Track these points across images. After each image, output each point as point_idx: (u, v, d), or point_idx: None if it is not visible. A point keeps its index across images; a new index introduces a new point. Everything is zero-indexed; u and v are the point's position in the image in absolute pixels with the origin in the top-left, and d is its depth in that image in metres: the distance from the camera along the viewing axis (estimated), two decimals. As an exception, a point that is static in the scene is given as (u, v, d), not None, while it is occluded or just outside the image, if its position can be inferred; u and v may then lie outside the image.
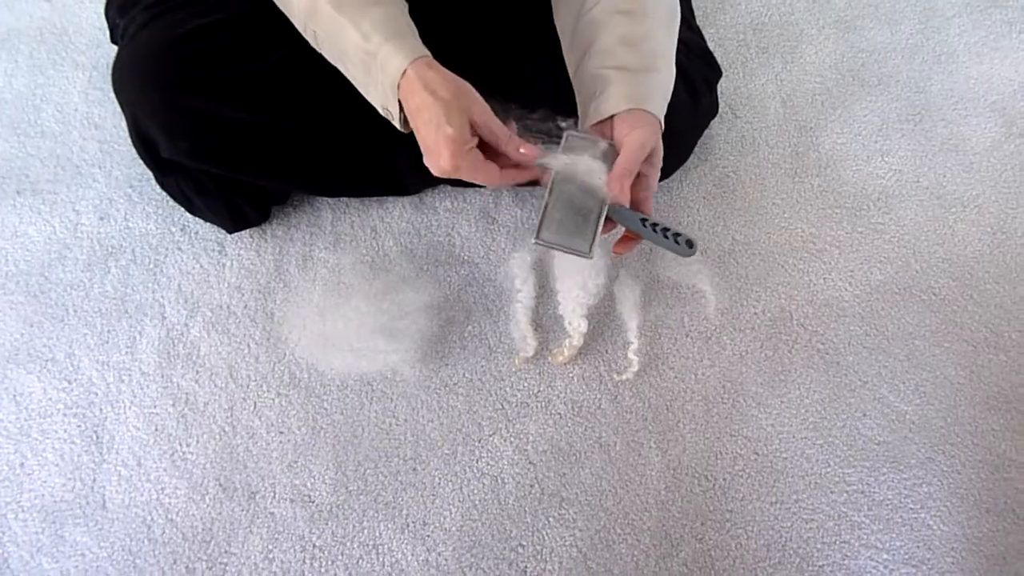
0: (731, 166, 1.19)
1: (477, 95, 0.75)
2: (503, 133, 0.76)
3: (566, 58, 0.91)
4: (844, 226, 1.16)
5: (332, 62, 0.81)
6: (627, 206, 0.81)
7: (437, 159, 0.74)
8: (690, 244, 0.82)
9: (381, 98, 0.77)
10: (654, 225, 0.82)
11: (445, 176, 0.76)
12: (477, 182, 0.77)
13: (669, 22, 0.88)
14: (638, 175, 0.81)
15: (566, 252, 0.82)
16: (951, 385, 1.07)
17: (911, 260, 1.14)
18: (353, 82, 0.80)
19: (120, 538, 0.95)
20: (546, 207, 0.81)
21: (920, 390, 1.06)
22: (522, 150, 0.77)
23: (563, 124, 0.86)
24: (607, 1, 0.84)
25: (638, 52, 0.83)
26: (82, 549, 0.94)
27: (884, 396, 1.06)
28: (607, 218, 0.82)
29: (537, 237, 0.81)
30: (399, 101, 0.75)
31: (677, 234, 0.82)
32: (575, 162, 0.80)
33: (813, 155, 1.21)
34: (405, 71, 0.73)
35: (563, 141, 0.83)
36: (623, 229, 0.85)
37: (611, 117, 0.82)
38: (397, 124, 0.78)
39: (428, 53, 0.75)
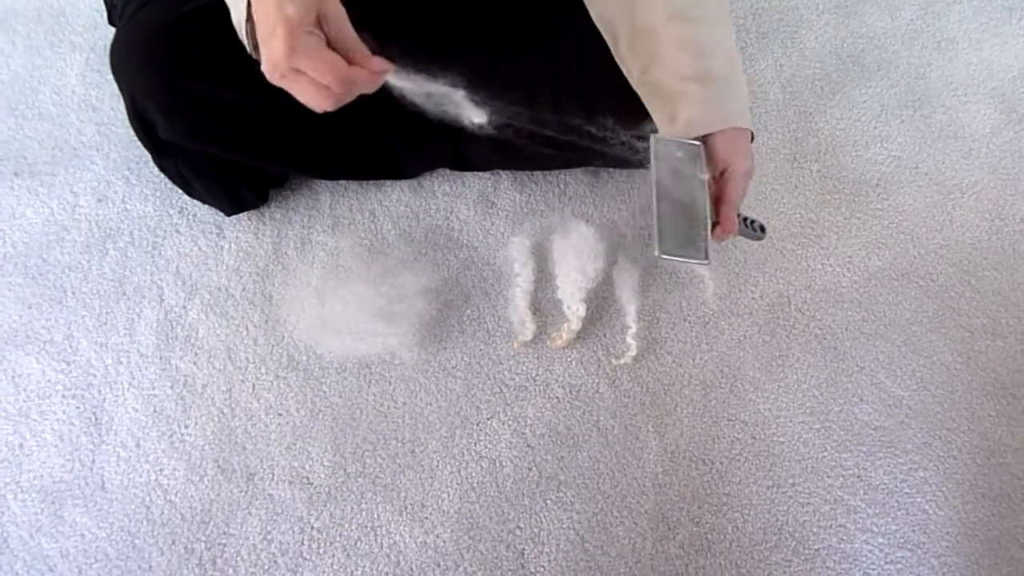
0: (730, 151, 1.19)
1: None
2: (354, 38, 0.66)
3: (620, 60, 0.88)
4: (843, 212, 1.16)
5: None
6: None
7: (271, 48, 0.63)
8: (763, 229, 0.89)
9: (238, 7, 0.68)
10: (743, 219, 0.87)
11: (278, 74, 0.64)
12: (312, 74, 0.64)
13: (728, 22, 0.87)
14: (727, 184, 0.83)
15: (687, 263, 0.84)
16: (948, 371, 1.08)
17: (909, 246, 1.14)
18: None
19: (119, 519, 0.95)
20: (659, 218, 0.80)
21: (917, 376, 1.07)
22: (375, 62, 0.67)
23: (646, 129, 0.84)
24: (665, 4, 0.82)
25: (715, 62, 0.82)
26: (81, 529, 0.94)
27: (881, 381, 1.06)
28: None
29: (660, 251, 0.80)
30: (249, 8, 0.66)
31: (753, 221, 0.88)
32: (671, 169, 0.80)
33: (812, 141, 1.21)
34: None
35: (652, 147, 0.81)
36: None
37: (711, 134, 0.82)
38: (247, 43, 0.69)
39: None
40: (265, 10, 0.63)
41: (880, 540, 0.99)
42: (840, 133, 1.22)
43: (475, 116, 0.74)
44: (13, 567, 0.93)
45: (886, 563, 0.98)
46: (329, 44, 0.65)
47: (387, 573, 0.94)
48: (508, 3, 1.01)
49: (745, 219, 0.86)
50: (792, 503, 1.00)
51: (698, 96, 0.81)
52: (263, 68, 0.66)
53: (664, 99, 0.84)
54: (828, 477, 1.01)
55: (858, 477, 1.01)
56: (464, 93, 0.73)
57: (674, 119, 0.83)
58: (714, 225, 0.85)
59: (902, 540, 0.99)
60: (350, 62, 0.66)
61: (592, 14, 0.90)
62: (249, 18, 0.67)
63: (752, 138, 0.85)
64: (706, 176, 0.82)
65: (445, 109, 0.74)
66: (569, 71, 0.96)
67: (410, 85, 0.72)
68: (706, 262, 0.81)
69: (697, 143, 0.82)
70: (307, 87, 0.65)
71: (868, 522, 1.00)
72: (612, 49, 0.89)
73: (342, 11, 0.66)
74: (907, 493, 1.01)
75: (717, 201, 0.84)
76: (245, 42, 0.70)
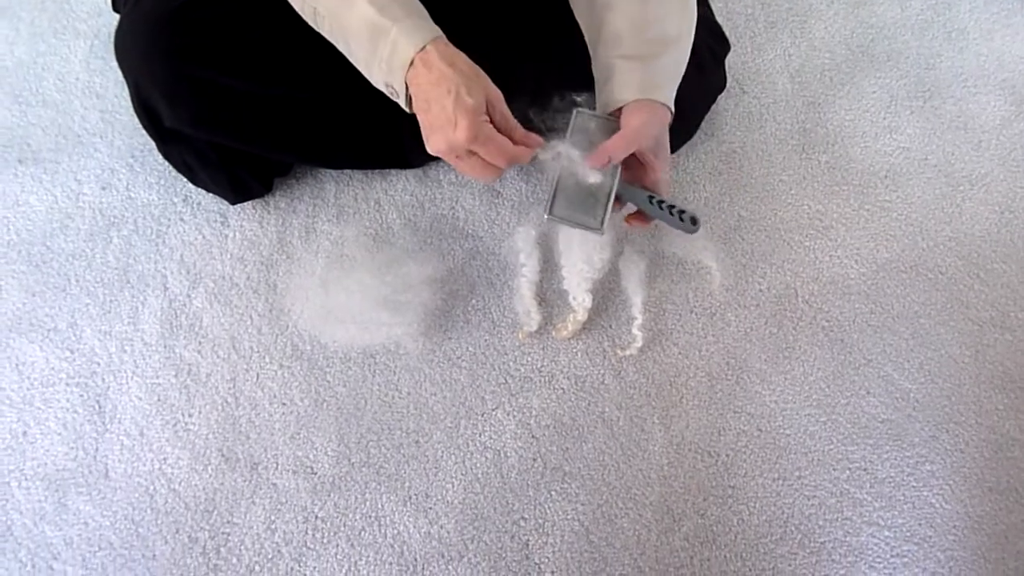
0: (738, 142, 1.18)
1: (490, 79, 0.75)
2: (512, 119, 0.77)
3: (588, 43, 0.90)
4: (851, 203, 1.15)
5: (330, 39, 0.79)
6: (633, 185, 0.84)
7: (451, 131, 0.72)
8: (694, 221, 0.85)
9: (385, 75, 0.76)
10: (660, 202, 0.85)
11: (454, 154, 0.74)
12: (486, 157, 0.74)
13: (689, 7, 0.87)
14: (643, 163, 0.83)
15: (578, 228, 0.83)
16: (956, 364, 1.07)
17: (918, 238, 1.14)
18: (350, 58, 0.79)
19: (123, 507, 0.95)
20: (557, 183, 0.82)
21: (925, 369, 1.06)
22: (528, 139, 0.78)
23: (578, 99, 0.86)
24: None
25: (645, 38, 0.83)
26: (85, 517, 0.94)
27: (888, 374, 1.06)
28: (617, 196, 0.83)
29: (550, 213, 0.82)
30: (406, 82, 0.74)
31: (682, 211, 0.84)
32: (584, 141, 0.81)
33: (821, 131, 1.20)
34: (425, 47, 0.72)
35: (573, 117, 0.83)
36: (633, 209, 0.87)
37: (623, 105, 0.82)
38: (402, 102, 0.77)
39: (443, 35, 0.74)
40: (441, 97, 0.71)
41: (886, 533, 0.98)
42: (849, 124, 1.21)
43: (590, 176, 0.81)
44: (17, 555, 0.93)
45: (892, 556, 0.98)
46: (493, 123, 0.74)
47: (391, 563, 0.94)
48: (497, 9, 1.00)
49: (670, 206, 0.85)
50: (798, 496, 0.99)
51: (626, 72, 0.82)
52: (433, 148, 0.74)
53: (599, 76, 0.86)
54: (834, 470, 1.01)
55: (865, 470, 1.01)
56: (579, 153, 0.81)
57: (600, 93, 0.86)
58: (637, 213, 0.88)
59: (908, 534, 0.99)
60: (512, 140, 0.75)
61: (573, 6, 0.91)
62: (408, 93, 0.75)
63: (671, 113, 0.85)
64: None
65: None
66: (576, 64, 0.95)
67: (547, 155, 0.81)
68: (599, 231, 0.82)
69: (615, 119, 0.83)
70: (477, 166, 0.75)
71: (874, 515, 0.99)
72: (586, 37, 0.89)
73: (500, 94, 0.75)
74: (914, 487, 1.01)
75: (628, 162, 0.85)
76: (398, 97, 0.77)
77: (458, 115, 0.71)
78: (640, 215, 0.89)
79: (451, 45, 0.74)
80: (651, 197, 0.84)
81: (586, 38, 0.89)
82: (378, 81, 0.78)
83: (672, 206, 0.84)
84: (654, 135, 0.83)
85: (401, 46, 0.72)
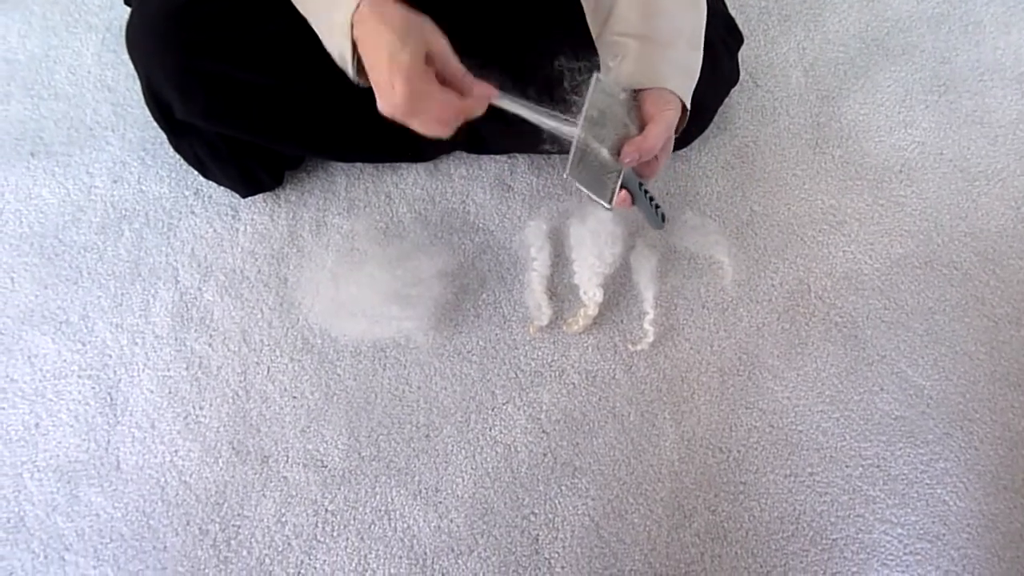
0: (751, 136, 1.17)
1: (436, 28, 0.70)
2: (460, 69, 0.72)
3: (590, 23, 0.89)
4: (865, 198, 1.14)
5: (300, 10, 0.77)
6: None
7: (391, 93, 0.68)
8: (663, 218, 0.88)
9: (339, 43, 0.72)
10: (646, 191, 0.86)
11: (399, 116, 0.70)
12: (431, 118, 0.71)
13: (693, 3, 0.87)
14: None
15: (590, 197, 0.83)
16: (971, 360, 1.06)
17: (933, 234, 1.12)
18: (318, 33, 0.76)
19: (134, 499, 0.95)
20: (578, 144, 0.79)
21: (939, 365, 1.05)
22: (477, 88, 0.73)
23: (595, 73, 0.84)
24: None
25: (654, 24, 0.83)
26: (96, 509, 0.95)
27: (902, 371, 1.05)
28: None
29: (569, 172, 0.80)
30: (354, 43, 0.70)
31: (658, 205, 0.87)
32: (602, 111, 0.79)
33: (835, 126, 1.19)
34: (359, 6, 0.68)
35: (593, 82, 0.80)
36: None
37: (639, 91, 0.82)
38: (351, 72, 0.73)
39: None
40: (378, 57, 0.68)
41: (899, 531, 0.98)
42: (863, 118, 1.20)
43: (567, 131, 0.79)
44: (30, 545, 0.93)
45: (905, 554, 0.97)
46: (438, 76, 0.70)
47: (401, 557, 0.94)
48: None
49: (651, 197, 0.86)
50: (810, 492, 0.99)
51: (635, 52, 0.82)
52: (381, 109, 0.71)
53: (607, 53, 0.85)
54: (847, 467, 1.00)
55: (878, 467, 1.00)
56: (559, 114, 0.79)
57: (609, 71, 0.84)
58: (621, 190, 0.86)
59: (922, 531, 0.98)
60: (459, 91, 0.72)
61: None
62: (355, 55, 0.71)
63: (686, 111, 0.85)
64: (635, 129, 0.82)
65: (542, 125, 0.79)
66: (587, 55, 0.95)
67: (510, 104, 0.77)
68: (609, 207, 0.82)
69: (631, 93, 0.82)
70: (425, 124, 0.71)
71: (887, 513, 0.98)
72: (586, 12, 0.89)
73: (446, 45, 0.71)
74: (927, 484, 1.00)
75: (632, 140, 0.83)
76: (347, 70, 0.74)
77: (393, 77, 0.67)
78: (624, 193, 0.87)
79: None
80: (641, 183, 0.86)
81: (592, 20, 0.88)
82: (334, 52, 0.75)
83: (653, 198, 0.87)
84: (670, 134, 0.83)
85: (339, 9, 0.70)
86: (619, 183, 0.82)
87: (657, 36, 0.83)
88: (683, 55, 0.85)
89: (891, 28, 1.28)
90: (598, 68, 0.84)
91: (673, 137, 0.86)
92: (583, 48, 0.91)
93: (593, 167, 0.81)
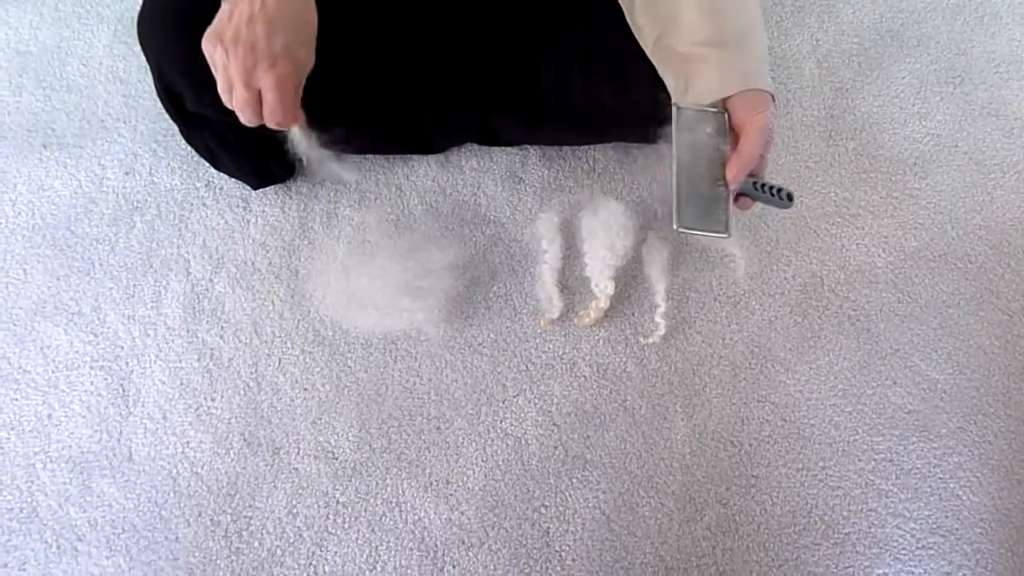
0: (764, 128, 1.17)
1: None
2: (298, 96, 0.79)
3: (635, 27, 0.87)
4: (879, 191, 1.13)
5: None
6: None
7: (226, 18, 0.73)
8: (790, 197, 0.82)
9: None
10: (762, 186, 0.82)
11: (223, 40, 0.74)
12: (222, 71, 0.75)
13: None
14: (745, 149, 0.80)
15: (706, 235, 0.80)
16: (985, 354, 1.05)
17: (947, 227, 1.12)
18: None
19: (146, 490, 0.96)
20: (678, 190, 0.78)
21: (953, 359, 1.04)
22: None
23: (666, 101, 0.82)
24: None
25: (730, 24, 0.80)
26: (109, 500, 0.95)
27: (916, 364, 1.04)
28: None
29: (679, 225, 0.78)
30: None
31: (780, 189, 0.82)
32: (693, 140, 0.78)
33: (848, 118, 1.18)
34: None
35: (675, 116, 0.79)
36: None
37: (728, 98, 0.79)
38: None
39: None
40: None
41: (912, 525, 0.97)
42: (877, 110, 1.19)
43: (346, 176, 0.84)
44: (43, 535, 0.93)
45: (917, 548, 0.96)
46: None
47: (411, 548, 0.94)
48: (510, 8, 0.98)
49: (770, 187, 0.82)
50: (822, 486, 0.98)
51: (713, 60, 0.79)
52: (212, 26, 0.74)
53: (679, 66, 0.82)
54: (859, 461, 1.00)
55: (890, 461, 1.00)
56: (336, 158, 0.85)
57: (689, 86, 0.82)
58: (738, 197, 0.83)
59: (934, 526, 0.97)
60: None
61: None
62: None
63: (773, 99, 0.82)
64: (728, 146, 0.80)
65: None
66: (599, 47, 0.94)
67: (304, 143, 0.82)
68: (726, 235, 0.79)
69: (720, 111, 0.80)
70: (218, 75, 0.75)
71: (900, 507, 0.98)
72: (627, 16, 0.87)
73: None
74: (940, 478, 0.99)
75: (732, 160, 0.82)
76: None
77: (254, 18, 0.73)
78: (743, 198, 0.85)
79: None
80: (755, 183, 0.82)
81: (644, 27, 0.86)
82: None
83: (772, 187, 0.82)
84: (772, 127, 0.80)
85: None
86: (729, 207, 0.79)
87: (731, 35, 0.80)
88: (757, 49, 0.83)
89: (906, 19, 1.26)
90: (669, 98, 0.81)
91: (773, 131, 0.82)
92: (592, 51, 0.89)
93: (700, 203, 0.79)
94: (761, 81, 0.80)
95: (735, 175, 0.78)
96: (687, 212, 0.78)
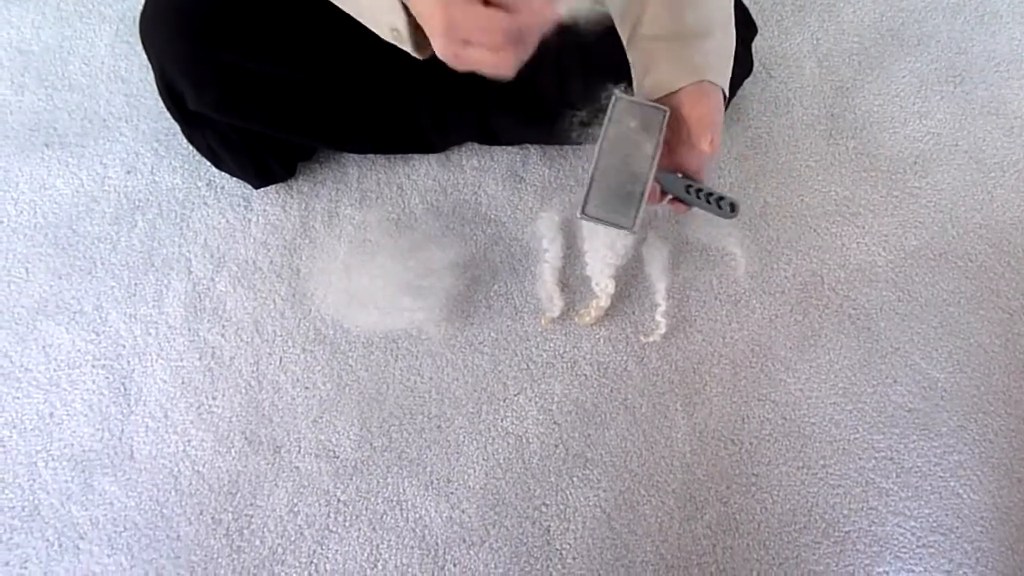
0: (764, 127, 1.17)
1: None
2: None
3: (619, 29, 0.86)
4: (879, 190, 1.13)
5: (340, 4, 0.74)
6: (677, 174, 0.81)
7: (432, 31, 0.60)
8: (733, 208, 0.81)
9: (389, 18, 0.67)
10: (698, 191, 0.81)
11: (449, 51, 0.61)
12: (482, 47, 0.60)
13: None
14: (696, 151, 0.79)
15: (610, 226, 0.80)
16: (985, 353, 1.05)
17: (948, 225, 1.12)
18: (364, 20, 0.72)
19: (148, 488, 0.96)
20: (592, 179, 0.78)
21: (953, 357, 1.05)
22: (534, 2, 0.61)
23: (615, 90, 0.81)
24: None
25: (689, 17, 0.80)
26: (110, 498, 0.95)
27: (916, 363, 1.04)
28: (654, 187, 0.80)
29: (582, 211, 0.78)
30: (404, 6, 0.64)
31: (720, 198, 0.81)
32: (622, 133, 0.77)
33: (849, 117, 1.18)
34: None
35: (611, 105, 0.78)
36: (670, 197, 0.84)
37: (677, 91, 0.78)
38: (409, 44, 0.67)
39: None
40: (422, 1, 0.60)
41: (912, 524, 0.97)
42: (878, 109, 1.19)
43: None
44: (44, 534, 0.94)
45: (918, 547, 0.97)
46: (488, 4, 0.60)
47: (412, 547, 0.94)
48: None
49: (708, 193, 0.81)
50: (822, 485, 0.98)
51: (667, 54, 0.78)
52: (436, 50, 0.62)
53: (640, 58, 0.82)
54: (860, 459, 1.00)
55: (891, 459, 1.00)
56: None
57: (645, 79, 0.81)
58: (663, 194, 0.82)
59: (935, 524, 0.97)
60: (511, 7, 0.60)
61: None
62: (411, 21, 0.65)
63: (725, 98, 0.81)
64: (653, 144, 0.78)
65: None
66: (599, 47, 0.94)
67: (575, 4, 0.66)
68: (631, 230, 0.79)
69: (661, 108, 0.78)
70: (482, 56, 0.60)
71: (900, 505, 0.98)
72: (612, 14, 0.87)
73: None
74: (941, 477, 0.99)
75: (673, 144, 0.81)
76: (405, 45, 0.68)
77: (435, 7, 0.59)
78: (677, 202, 0.85)
79: None
80: (688, 186, 0.81)
81: (621, 26, 0.85)
82: (385, 31, 0.69)
83: (710, 194, 0.81)
84: (719, 122, 0.79)
85: None
86: (643, 203, 0.78)
87: (689, 30, 0.79)
88: (718, 43, 0.82)
89: (906, 18, 1.26)
90: (620, 89, 0.80)
91: (718, 138, 0.80)
92: (596, 44, 0.89)
93: (613, 194, 0.78)
94: (711, 74, 0.78)
95: (660, 165, 0.77)
96: (594, 201, 0.78)
